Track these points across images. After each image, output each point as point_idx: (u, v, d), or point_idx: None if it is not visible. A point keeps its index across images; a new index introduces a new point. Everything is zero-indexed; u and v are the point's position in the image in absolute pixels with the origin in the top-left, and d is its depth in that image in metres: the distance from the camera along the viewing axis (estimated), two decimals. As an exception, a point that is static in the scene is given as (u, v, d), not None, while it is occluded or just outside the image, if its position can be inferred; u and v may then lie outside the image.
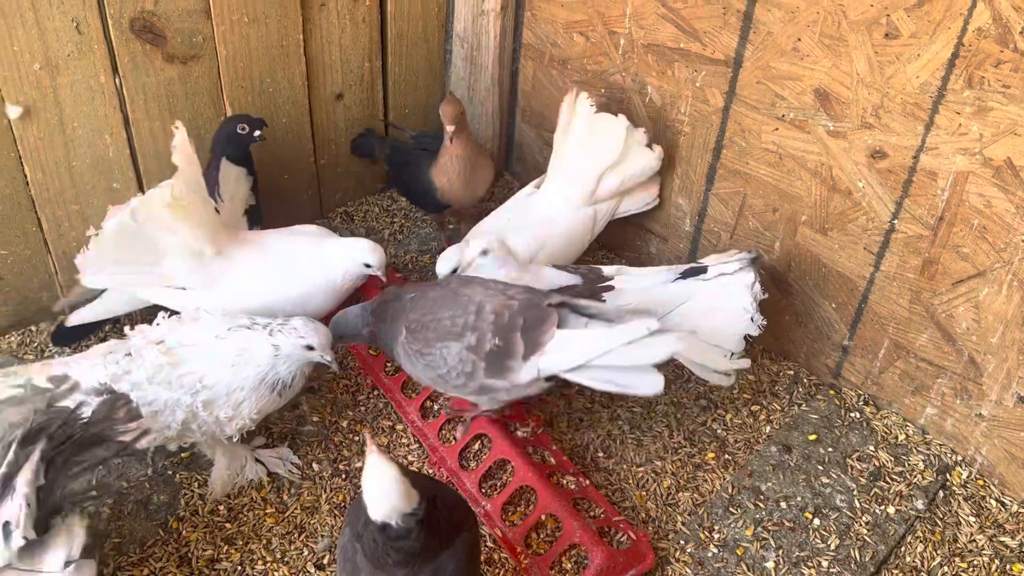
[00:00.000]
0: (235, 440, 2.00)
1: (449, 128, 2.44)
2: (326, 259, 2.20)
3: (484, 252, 2.15)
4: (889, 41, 1.95)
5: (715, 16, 2.25)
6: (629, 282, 2.18)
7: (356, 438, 2.22)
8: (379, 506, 1.40)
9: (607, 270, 2.21)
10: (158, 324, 1.97)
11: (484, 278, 2.01)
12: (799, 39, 2.10)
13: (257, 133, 2.38)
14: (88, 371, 1.90)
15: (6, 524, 1.54)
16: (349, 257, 2.19)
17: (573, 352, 1.83)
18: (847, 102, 2.08)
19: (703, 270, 2.15)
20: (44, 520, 1.61)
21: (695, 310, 2.12)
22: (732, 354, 2.10)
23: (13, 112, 2.15)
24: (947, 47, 1.87)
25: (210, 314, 1.99)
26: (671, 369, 2.44)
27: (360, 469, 2.14)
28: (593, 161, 2.45)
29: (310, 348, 1.91)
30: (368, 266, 2.19)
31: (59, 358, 1.97)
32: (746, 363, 2.11)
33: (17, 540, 1.53)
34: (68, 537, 1.62)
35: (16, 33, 2.08)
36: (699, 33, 2.30)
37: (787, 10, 2.09)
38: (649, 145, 2.45)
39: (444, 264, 2.17)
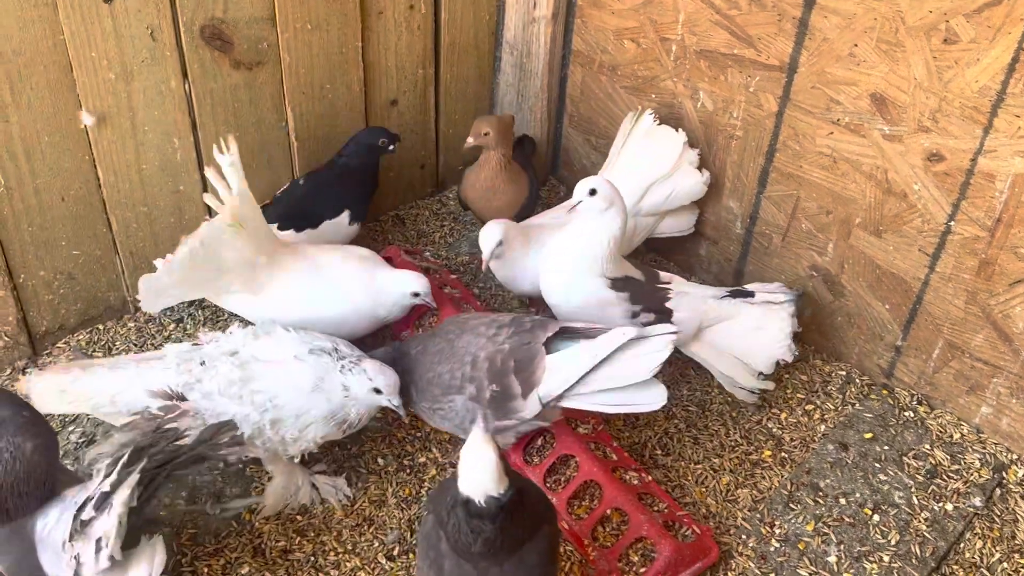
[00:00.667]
0: (296, 460, 2.05)
1: (468, 140, 2.55)
2: (377, 289, 2.26)
3: (499, 244, 2.26)
4: (948, 46, 2.00)
5: (770, 23, 2.29)
6: (685, 288, 2.27)
7: (419, 433, 2.26)
8: (470, 482, 1.45)
9: (663, 275, 2.30)
10: (231, 333, 2.01)
11: (478, 320, 2.08)
12: (856, 45, 2.15)
13: (392, 147, 2.57)
14: (161, 375, 1.96)
15: (98, 540, 1.57)
16: (398, 291, 2.26)
17: (565, 372, 1.93)
18: (904, 106, 2.12)
19: (750, 294, 2.29)
20: (132, 537, 1.64)
21: (737, 328, 2.27)
22: (760, 374, 2.28)
23: (87, 119, 2.22)
24: (1007, 52, 1.91)
25: (287, 331, 2.02)
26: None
27: (424, 464, 2.19)
28: (645, 170, 2.50)
29: (378, 391, 1.94)
30: (416, 295, 2.27)
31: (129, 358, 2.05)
32: (771, 385, 2.31)
33: (104, 559, 1.56)
34: (151, 556, 1.65)
35: (95, 40, 2.14)
36: (753, 39, 2.35)
37: (844, 16, 2.14)
38: (700, 168, 2.52)
39: (486, 242, 2.27)
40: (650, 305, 2.20)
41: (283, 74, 2.51)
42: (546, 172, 3.21)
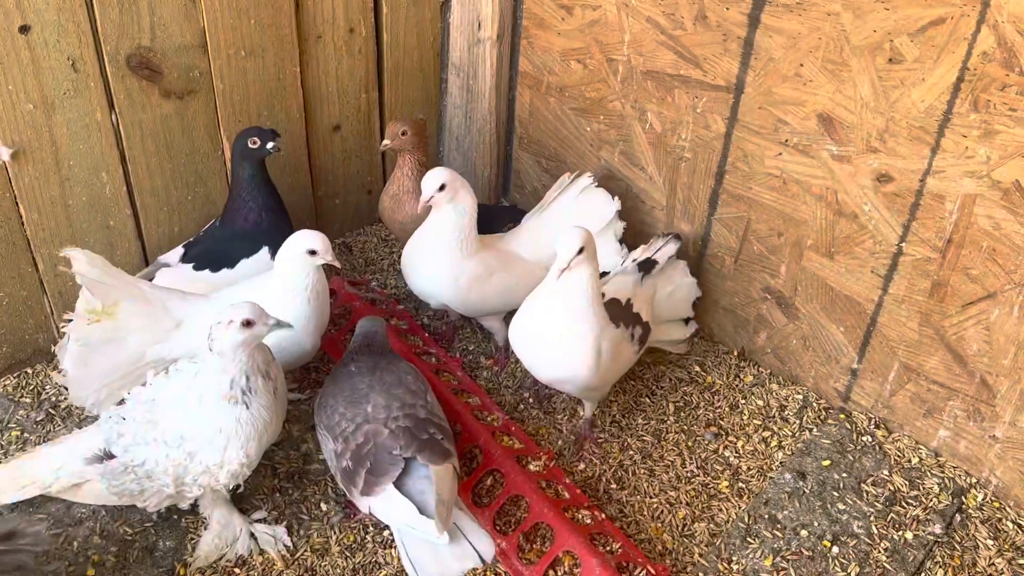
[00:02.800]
0: (240, 490, 1.95)
1: (384, 142, 2.44)
2: (278, 275, 2.09)
3: (441, 187, 2.19)
4: (893, 66, 1.96)
5: (715, 43, 2.25)
6: (615, 288, 2.22)
7: (364, 476, 2.17)
8: None
9: None
10: (149, 384, 1.93)
11: (400, 389, 1.96)
12: (801, 64, 2.11)
13: (270, 145, 2.27)
14: (93, 438, 1.91)
15: None
16: (294, 252, 2.05)
17: (388, 512, 1.85)
18: (851, 127, 2.08)
19: (653, 264, 2.33)
20: None
21: (661, 295, 2.38)
22: (688, 320, 2.47)
23: (3, 154, 2.11)
24: (952, 71, 1.88)
25: (184, 365, 1.92)
26: (680, 397, 2.43)
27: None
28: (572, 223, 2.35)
29: (247, 324, 1.76)
30: (313, 252, 2.03)
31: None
32: (695, 326, 2.50)
33: None
34: None
35: (11, 73, 2.04)
36: (699, 59, 2.30)
37: (788, 36, 2.10)
38: (621, 242, 2.48)
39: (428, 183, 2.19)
40: (629, 319, 2.17)
41: (217, 102, 2.43)
42: (497, 195, 3.14)
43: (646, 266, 2.31)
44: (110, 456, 1.87)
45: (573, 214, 2.44)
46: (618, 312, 2.14)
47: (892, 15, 1.92)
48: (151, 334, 2.07)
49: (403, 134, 2.43)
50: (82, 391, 2.04)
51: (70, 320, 2.00)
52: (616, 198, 2.46)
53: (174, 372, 1.93)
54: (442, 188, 2.17)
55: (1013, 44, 1.77)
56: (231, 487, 1.92)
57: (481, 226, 2.62)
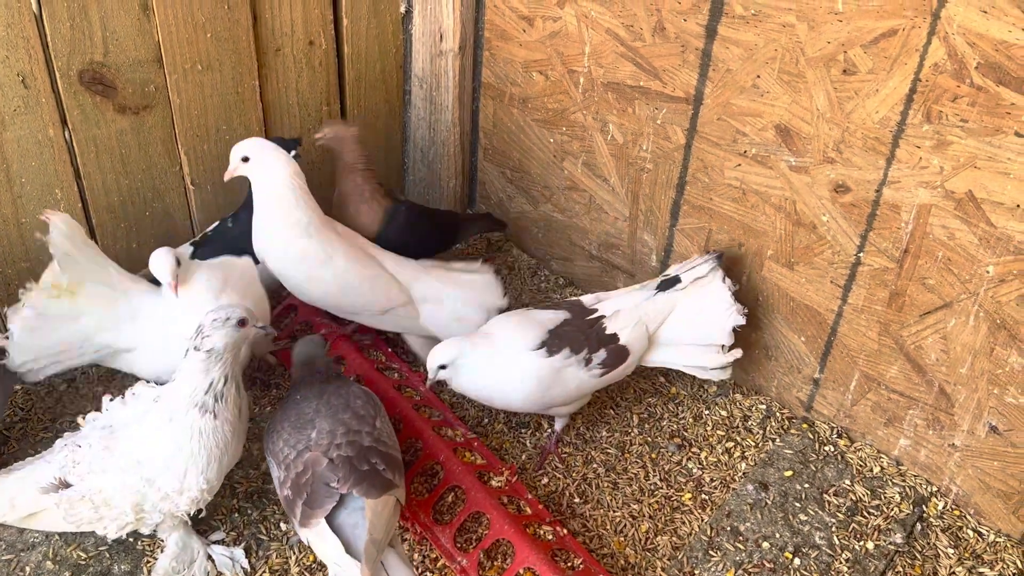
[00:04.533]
0: (202, 515, 1.94)
1: (316, 135, 2.43)
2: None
3: (244, 159, 2.19)
4: (847, 77, 1.97)
5: (674, 54, 2.25)
6: (614, 305, 2.21)
7: (325, 494, 2.15)
8: None
9: (586, 300, 2.24)
10: (106, 409, 1.91)
11: (347, 414, 1.90)
12: (758, 76, 2.11)
13: (292, 153, 2.25)
14: (48, 467, 1.88)
15: None
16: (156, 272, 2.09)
17: (323, 548, 1.75)
18: (808, 137, 2.09)
19: (676, 280, 2.24)
20: None
21: (683, 318, 2.23)
22: (724, 347, 2.23)
23: None
24: (904, 82, 1.89)
25: (141, 390, 1.91)
26: (644, 408, 2.42)
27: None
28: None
29: (242, 323, 1.79)
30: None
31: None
32: (738, 352, 2.25)
33: None
34: None
35: (-42, 90, 2.01)
36: (658, 71, 2.30)
37: (745, 47, 2.10)
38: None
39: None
40: (593, 342, 2.13)
41: (174, 117, 2.40)
42: (463, 206, 3.12)
43: (666, 284, 2.24)
44: (66, 485, 1.83)
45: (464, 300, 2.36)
46: (570, 336, 2.10)
47: (845, 26, 1.93)
48: (105, 320, 2.10)
49: (340, 139, 2.40)
50: (21, 356, 2.08)
51: (30, 289, 2.03)
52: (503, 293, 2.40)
53: (131, 397, 1.91)
54: (245, 160, 2.16)
55: (963, 56, 1.78)
56: (191, 512, 1.89)
57: (446, 235, 2.61)
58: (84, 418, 1.94)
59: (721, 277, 2.22)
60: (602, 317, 2.18)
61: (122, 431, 1.84)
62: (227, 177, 2.21)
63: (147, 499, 1.81)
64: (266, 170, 2.17)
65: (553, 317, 2.16)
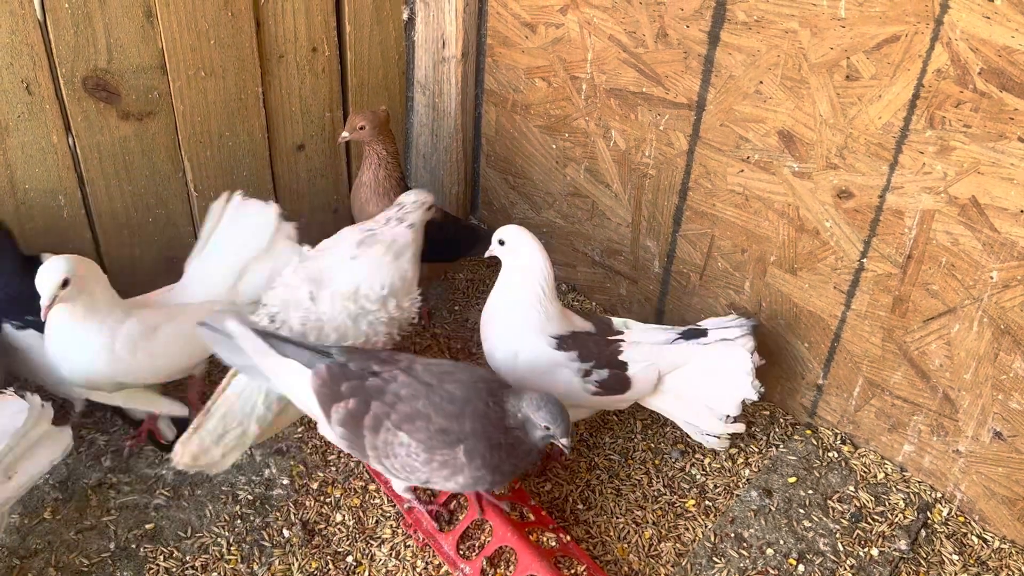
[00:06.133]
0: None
1: (343, 134, 2.42)
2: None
3: (65, 283, 1.89)
4: (850, 83, 1.97)
5: (676, 60, 2.25)
6: (637, 336, 2.15)
7: (328, 499, 2.15)
8: None
9: (615, 322, 2.19)
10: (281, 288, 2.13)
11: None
12: (761, 82, 2.11)
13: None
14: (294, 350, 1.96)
15: None
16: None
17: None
18: (811, 143, 2.09)
19: (703, 333, 2.15)
20: None
21: (696, 372, 2.14)
22: (727, 417, 2.13)
23: None
24: (908, 88, 1.89)
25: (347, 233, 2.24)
26: (647, 414, 2.42)
27: (334, 533, 2.07)
28: (237, 251, 2.23)
29: (430, 208, 2.27)
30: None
31: None
32: (740, 427, 2.17)
33: None
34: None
35: (-37, 96, 2.02)
36: (661, 77, 2.31)
37: (748, 54, 2.10)
38: (300, 242, 2.26)
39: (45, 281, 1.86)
40: (602, 360, 2.08)
41: (177, 123, 2.40)
42: (465, 212, 3.13)
43: (691, 333, 2.15)
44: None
45: (236, 239, 2.22)
46: (584, 344, 2.08)
47: (848, 33, 1.93)
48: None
49: (360, 128, 2.39)
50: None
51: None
52: (272, 201, 2.26)
53: (305, 265, 2.13)
54: (66, 284, 1.84)
55: (966, 61, 1.78)
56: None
57: (451, 247, 2.59)
58: (265, 297, 2.13)
59: (750, 348, 2.11)
60: (621, 342, 2.12)
61: (350, 281, 2.07)
62: (47, 309, 1.86)
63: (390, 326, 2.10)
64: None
65: (582, 324, 2.15)
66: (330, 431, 1.87)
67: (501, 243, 2.12)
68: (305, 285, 2.08)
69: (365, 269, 2.10)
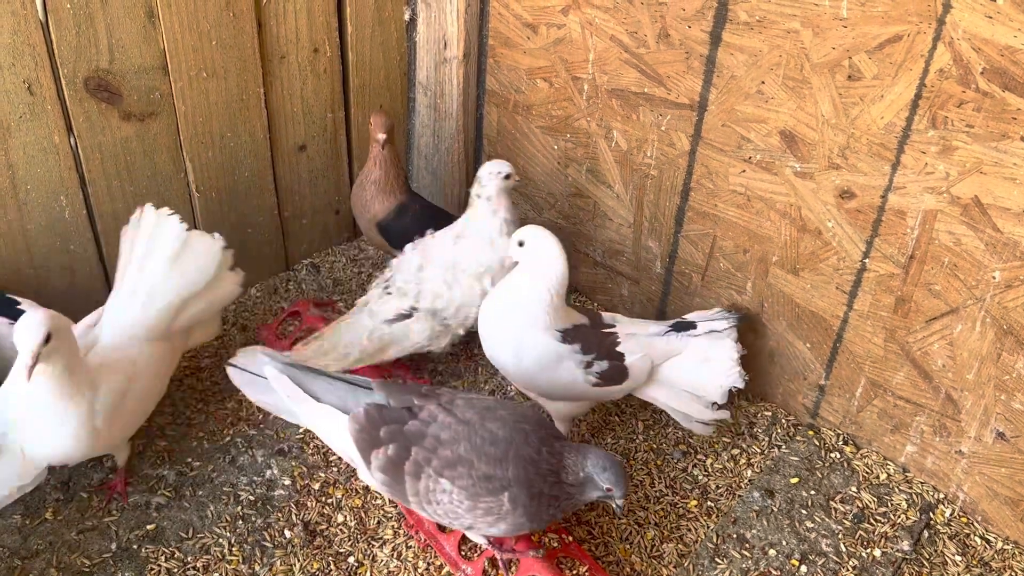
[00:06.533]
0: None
1: (380, 136, 2.45)
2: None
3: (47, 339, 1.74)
4: (852, 83, 1.97)
5: (678, 61, 2.25)
6: (629, 329, 2.20)
7: (329, 500, 2.14)
8: None
9: (604, 316, 2.23)
10: (406, 252, 2.40)
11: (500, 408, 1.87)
12: (763, 82, 2.11)
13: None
14: (386, 307, 2.35)
15: None
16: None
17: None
18: (813, 143, 2.08)
19: (692, 325, 2.22)
20: None
21: (686, 362, 2.20)
22: (714, 404, 2.18)
23: None
24: (910, 88, 1.89)
25: (440, 234, 2.42)
26: (649, 415, 2.41)
27: (336, 534, 2.07)
28: (176, 289, 2.07)
29: (507, 177, 2.33)
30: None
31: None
32: (726, 414, 2.21)
33: None
34: None
35: (-35, 97, 2.02)
36: (663, 78, 2.31)
37: (750, 54, 2.10)
38: (233, 268, 2.18)
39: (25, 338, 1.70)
40: (602, 352, 2.11)
41: (179, 124, 2.40)
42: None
43: (681, 326, 2.22)
44: (408, 314, 2.30)
45: (175, 276, 2.05)
46: (585, 336, 2.10)
47: (850, 32, 1.93)
48: None
49: (392, 129, 2.47)
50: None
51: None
52: (216, 235, 2.12)
53: (430, 239, 2.38)
54: (48, 339, 1.69)
55: (968, 61, 1.78)
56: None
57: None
58: (391, 265, 2.41)
59: (734, 337, 2.20)
60: (616, 334, 2.16)
61: (451, 258, 2.31)
62: (30, 373, 1.70)
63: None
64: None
65: (578, 317, 2.17)
66: (370, 478, 1.85)
67: (521, 244, 2.09)
68: (417, 258, 2.37)
69: (464, 249, 2.34)
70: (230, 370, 1.98)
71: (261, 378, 1.93)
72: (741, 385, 2.16)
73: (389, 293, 2.37)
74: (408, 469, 1.77)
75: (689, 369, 2.19)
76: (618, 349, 2.14)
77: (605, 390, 2.15)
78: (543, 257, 2.06)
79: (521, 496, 1.72)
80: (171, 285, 2.05)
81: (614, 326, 2.19)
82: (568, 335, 2.10)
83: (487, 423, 1.77)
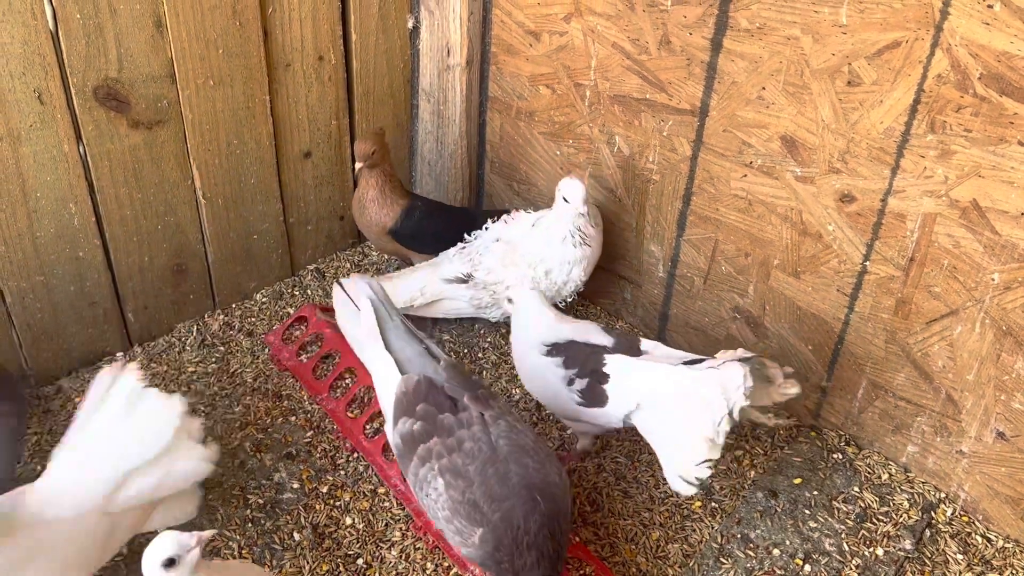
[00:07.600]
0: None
1: (357, 165, 2.55)
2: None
3: None
4: (852, 88, 2.00)
5: (680, 67, 2.28)
6: (650, 349, 2.07)
7: (337, 502, 2.16)
8: None
9: (644, 344, 2.08)
10: (487, 228, 2.56)
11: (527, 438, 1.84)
12: (763, 88, 2.14)
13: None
14: (448, 267, 2.55)
15: None
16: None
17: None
18: (814, 148, 2.11)
19: (696, 361, 1.97)
20: None
21: (675, 396, 1.94)
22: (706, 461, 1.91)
23: None
24: (908, 93, 1.92)
25: (520, 216, 2.55)
26: (652, 417, 2.44)
27: (345, 536, 2.09)
28: (123, 452, 1.77)
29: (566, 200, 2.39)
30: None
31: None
32: (707, 472, 1.91)
33: None
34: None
35: (-24, 106, 2.04)
36: (664, 84, 2.34)
37: (750, 60, 2.13)
38: (204, 441, 1.88)
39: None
40: (584, 371, 2.03)
41: (186, 132, 2.43)
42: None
43: (692, 363, 1.96)
44: (469, 277, 2.50)
45: (125, 439, 1.77)
46: (578, 356, 2.05)
47: (850, 39, 1.96)
48: None
49: (372, 154, 2.52)
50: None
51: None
52: (176, 395, 1.80)
53: (511, 220, 2.54)
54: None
55: (966, 66, 1.81)
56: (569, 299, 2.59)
57: (460, 230, 2.66)
58: (471, 237, 2.58)
59: (742, 373, 1.83)
60: (606, 354, 2.03)
61: (518, 241, 2.48)
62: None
63: (540, 285, 2.43)
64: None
65: (602, 340, 2.09)
66: (392, 435, 1.92)
67: (509, 301, 2.28)
68: (497, 231, 2.55)
69: (533, 238, 2.48)
70: (335, 288, 2.18)
71: (354, 307, 2.08)
72: (727, 427, 1.84)
73: (463, 252, 2.56)
74: (420, 452, 1.82)
75: (679, 404, 1.91)
76: (603, 370, 2.01)
77: (592, 412, 2.05)
78: (520, 311, 2.21)
79: (490, 542, 1.70)
80: (112, 449, 1.75)
81: (645, 351, 2.04)
82: (556, 349, 2.09)
83: (511, 462, 1.75)
